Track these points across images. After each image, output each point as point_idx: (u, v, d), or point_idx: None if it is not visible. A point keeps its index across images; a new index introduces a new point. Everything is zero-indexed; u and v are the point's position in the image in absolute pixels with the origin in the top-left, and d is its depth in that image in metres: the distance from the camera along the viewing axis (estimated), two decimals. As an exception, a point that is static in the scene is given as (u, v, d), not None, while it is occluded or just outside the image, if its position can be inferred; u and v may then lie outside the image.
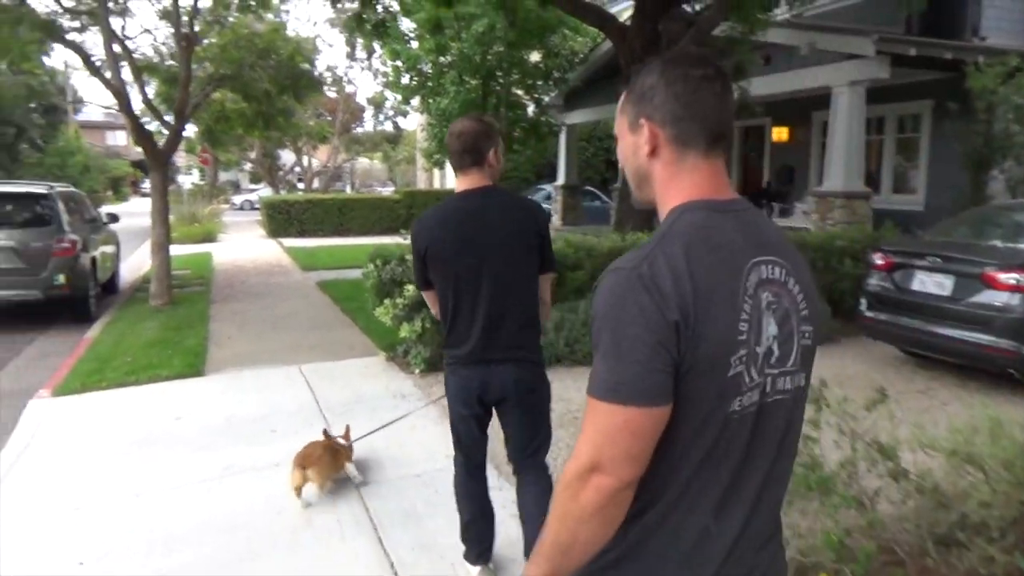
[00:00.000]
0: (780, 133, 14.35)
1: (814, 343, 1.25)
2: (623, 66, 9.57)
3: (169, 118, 9.77)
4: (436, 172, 28.32)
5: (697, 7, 10.18)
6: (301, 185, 33.69)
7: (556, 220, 18.85)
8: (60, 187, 9.76)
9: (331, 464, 3.82)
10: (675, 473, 1.14)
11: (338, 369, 6.21)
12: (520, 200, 2.76)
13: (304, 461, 3.70)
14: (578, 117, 17.94)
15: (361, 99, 32.79)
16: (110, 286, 11.32)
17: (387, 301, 5.84)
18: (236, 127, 12.32)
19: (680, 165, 1.20)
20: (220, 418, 5.11)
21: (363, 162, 45.79)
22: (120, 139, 54.95)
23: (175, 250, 16.21)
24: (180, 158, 24.58)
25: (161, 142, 9.71)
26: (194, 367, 6.31)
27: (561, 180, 18.67)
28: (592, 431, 1.09)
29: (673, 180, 1.21)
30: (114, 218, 11.55)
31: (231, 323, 8.25)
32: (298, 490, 3.73)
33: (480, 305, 2.55)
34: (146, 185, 41.02)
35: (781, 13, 10.87)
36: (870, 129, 11.83)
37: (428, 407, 5.00)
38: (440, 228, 2.57)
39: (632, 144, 1.25)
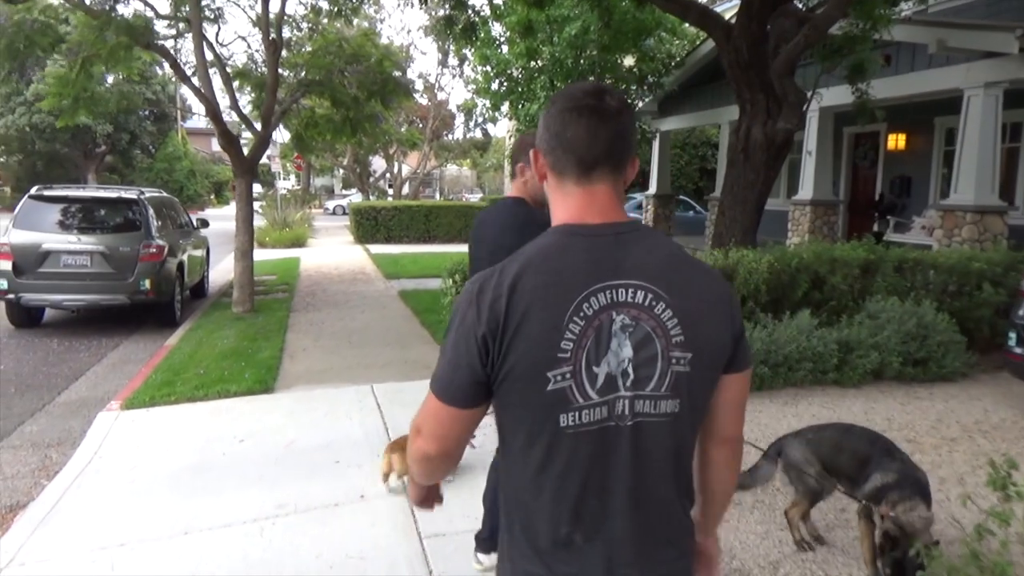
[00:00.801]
0: (896, 140, 13.18)
1: (701, 370, 1.26)
2: (727, 68, 8.85)
3: (257, 125, 9.71)
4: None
5: (811, 3, 9.31)
6: (391, 191, 34.05)
7: (647, 231, 18.10)
8: (150, 192, 9.85)
9: None
10: (523, 477, 1.27)
11: (412, 392, 5.79)
12: (503, 214, 2.74)
13: (394, 446, 3.87)
14: (672, 124, 17.16)
15: (452, 106, 32.84)
16: (199, 290, 11.42)
17: (464, 321, 5.38)
18: (324, 133, 12.22)
19: (560, 191, 1.30)
20: (282, 443, 4.77)
21: (452, 169, 46.08)
22: (242, 150, 57.56)
23: (265, 255, 16.52)
24: (276, 164, 25.10)
25: (248, 149, 9.65)
26: (264, 383, 6.04)
27: (653, 189, 17.92)
28: (424, 402, 1.28)
29: (556, 205, 1.32)
30: (204, 223, 11.65)
31: (308, 334, 8.02)
32: (385, 476, 3.91)
33: None
34: (246, 189, 42.69)
35: (906, 8, 9.85)
36: (1005, 136, 10.61)
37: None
38: (474, 224, 2.91)
39: (537, 169, 1.35)
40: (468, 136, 33.21)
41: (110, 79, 13.28)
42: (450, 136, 34.11)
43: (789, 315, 6.12)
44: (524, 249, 1.26)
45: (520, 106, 14.44)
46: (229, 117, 12.27)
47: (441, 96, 31.74)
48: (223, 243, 14.59)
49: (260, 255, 16.44)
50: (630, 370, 1.21)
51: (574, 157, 1.26)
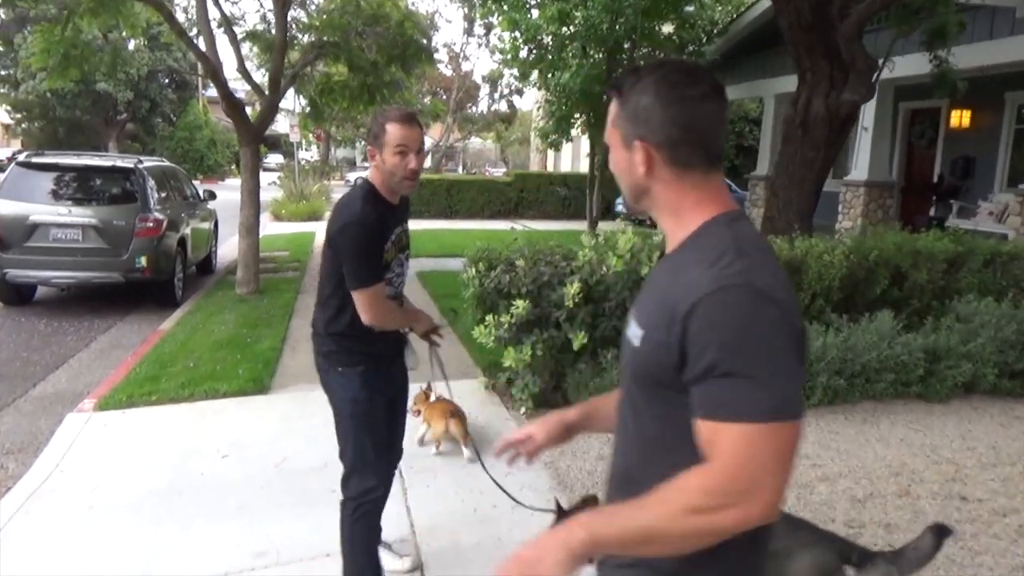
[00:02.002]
0: (960, 117, 12.09)
1: None
2: (785, 31, 7.89)
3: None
4: (550, 154, 26.97)
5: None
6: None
7: (680, 210, 17.15)
8: (150, 161, 9.12)
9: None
10: None
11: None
12: (338, 203, 2.52)
13: (452, 411, 4.00)
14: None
15: (477, 77, 31.83)
16: (206, 266, 10.74)
17: (489, 318, 4.58)
18: (340, 100, 11.39)
19: (682, 184, 1.20)
20: (272, 461, 4.03)
21: (475, 142, 45.07)
22: (247, 116, 56.88)
23: (280, 228, 15.81)
24: (295, 133, 24.29)
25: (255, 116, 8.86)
26: (259, 381, 5.30)
27: (688, 166, 16.90)
28: (749, 455, 1.03)
29: (683, 198, 1.20)
30: (212, 195, 10.94)
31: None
32: (439, 441, 4.06)
33: None
34: (268, 160, 42.08)
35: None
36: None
37: (541, 471, 3.73)
38: None
39: (626, 159, 1.23)
40: (492, 108, 32.23)
41: (112, 37, 12.46)
42: (474, 108, 33.12)
43: (866, 317, 5.26)
44: (733, 238, 1.13)
45: (550, 75, 13.47)
46: (237, 83, 11.53)
47: (466, 67, 30.74)
48: (237, 216, 13.82)
49: (275, 228, 15.78)
50: None
51: (704, 149, 1.19)
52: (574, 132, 14.63)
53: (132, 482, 3.80)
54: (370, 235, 2.38)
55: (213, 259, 11.12)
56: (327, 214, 15.87)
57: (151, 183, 8.33)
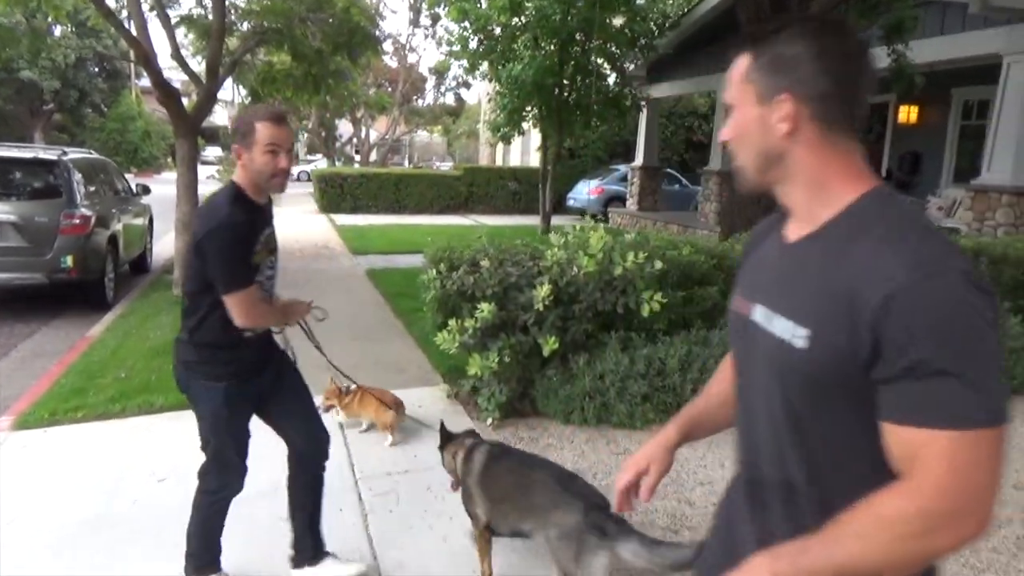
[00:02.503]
0: (908, 113, 12.25)
1: None
2: (744, 24, 7.76)
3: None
4: (499, 148, 26.63)
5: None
6: (358, 158, 32.47)
7: (632, 205, 17.07)
8: (76, 153, 8.49)
9: None
10: None
11: (383, 406, 4.69)
12: (202, 206, 2.57)
13: (395, 401, 4.17)
14: (663, 91, 16.03)
15: (423, 69, 31.26)
16: (141, 264, 10.12)
17: (452, 322, 4.26)
18: (283, 90, 10.86)
19: (832, 148, 1.06)
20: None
21: (422, 136, 44.41)
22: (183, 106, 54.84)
23: None
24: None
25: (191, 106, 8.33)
26: (199, 392, 4.87)
27: (640, 161, 16.84)
28: (966, 468, 0.90)
29: (827, 166, 1.07)
30: (146, 189, 10.31)
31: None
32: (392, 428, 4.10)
33: None
34: (207, 153, 40.52)
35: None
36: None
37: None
38: None
39: (758, 119, 1.09)
40: (440, 101, 31.74)
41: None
42: (421, 101, 32.54)
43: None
44: (918, 217, 1.02)
45: (501, 67, 13.16)
46: (172, 72, 10.87)
47: (412, 58, 30.15)
48: (173, 212, 13.10)
49: None
50: None
51: (853, 107, 1.07)
52: (525, 126, 14.36)
53: (55, 513, 3.37)
54: (239, 238, 2.35)
55: (148, 257, 10.50)
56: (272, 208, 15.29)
57: (77, 176, 7.73)
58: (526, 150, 23.78)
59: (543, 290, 4.07)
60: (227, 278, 2.33)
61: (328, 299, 8.02)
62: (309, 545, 2.86)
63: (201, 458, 2.70)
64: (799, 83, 1.04)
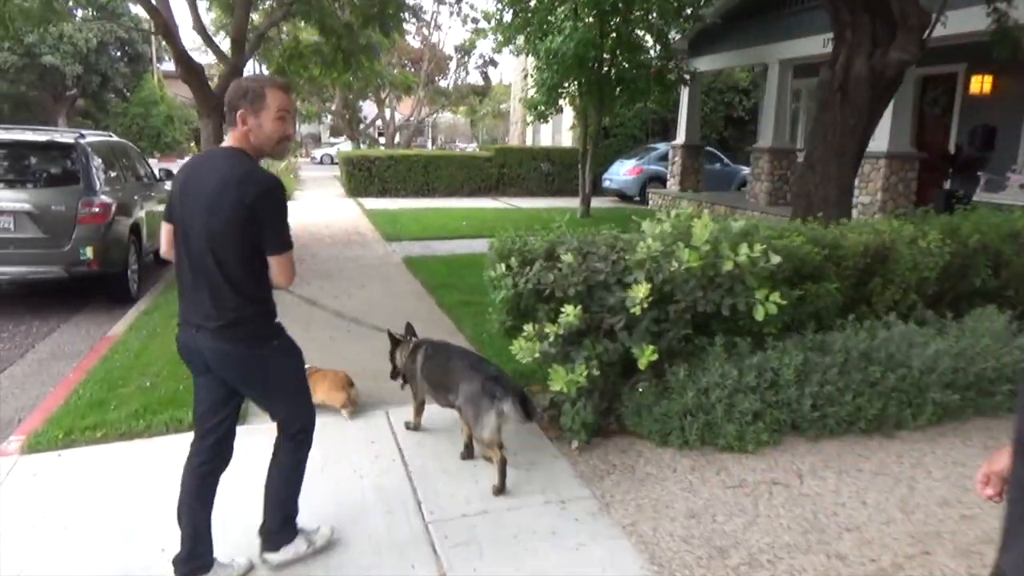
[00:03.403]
0: (982, 84, 11.32)
1: None
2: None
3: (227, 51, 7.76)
4: (533, 127, 25.82)
5: None
6: (382, 140, 31.79)
7: (673, 185, 16.27)
8: (95, 135, 7.92)
9: None
10: None
11: (445, 420, 4.06)
12: (227, 169, 2.39)
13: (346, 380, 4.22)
14: (707, 64, 15.17)
15: (448, 48, 30.45)
16: (165, 254, 9.59)
17: (528, 328, 3.61)
18: (311, 67, 10.23)
19: None
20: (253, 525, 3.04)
21: (446, 117, 43.61)
22: (207, 82, 54.36)
23: None
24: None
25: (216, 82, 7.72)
26: (233, 406, 4.28)
27: (681, 139, 16.00)
28: None
29: None
30: (169, 174, 9.70)
31: (294, 319, 6.14)
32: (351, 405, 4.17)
33: (182, 266, 2.51)
34: (228, 137, 39.86)
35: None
36: None
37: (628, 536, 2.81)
38: (177, 178, 2.58)
39: None
40: (465, 81, 30.94)
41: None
42: (446, 81, 31.70)
43: (967, 314, 4.42)
44: None
45: (538, 40, 12.41)
46: (195, 53, 10.28)
47: (437, 37, 29.36)
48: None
49: None
50: None
51: None
52: (562, 103, 13.62)
53: (69, 566, 2.79)
54: (285, 197, 2.46)
55: (173, 246, 9.97)
56: (297, 193, 14.77)
57: (96, 161, 7.16)
58: (557, 129, 22.99)
59: (640, 289, 3.40)
60: (283, 238, 2.40)
61: (367, 291, 7.49)
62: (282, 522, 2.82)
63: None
64: None
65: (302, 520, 2.91)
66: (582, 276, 3.60)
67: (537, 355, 3.52)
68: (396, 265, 9.03)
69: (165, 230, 2.59)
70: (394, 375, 3.98)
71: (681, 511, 3.09)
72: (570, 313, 3.47)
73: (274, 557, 2.77)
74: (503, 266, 3.81)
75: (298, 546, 2.77)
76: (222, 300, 2.41)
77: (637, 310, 3.42)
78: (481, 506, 3.13)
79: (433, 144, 44.65)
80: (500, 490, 3.23)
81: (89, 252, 6.71)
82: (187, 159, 2.84)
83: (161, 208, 9.27)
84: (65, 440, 3.87)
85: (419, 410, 3.93)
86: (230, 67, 7.37)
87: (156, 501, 3.24)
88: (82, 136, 7.30)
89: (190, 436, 3.91)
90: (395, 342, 3.97)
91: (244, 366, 2.53)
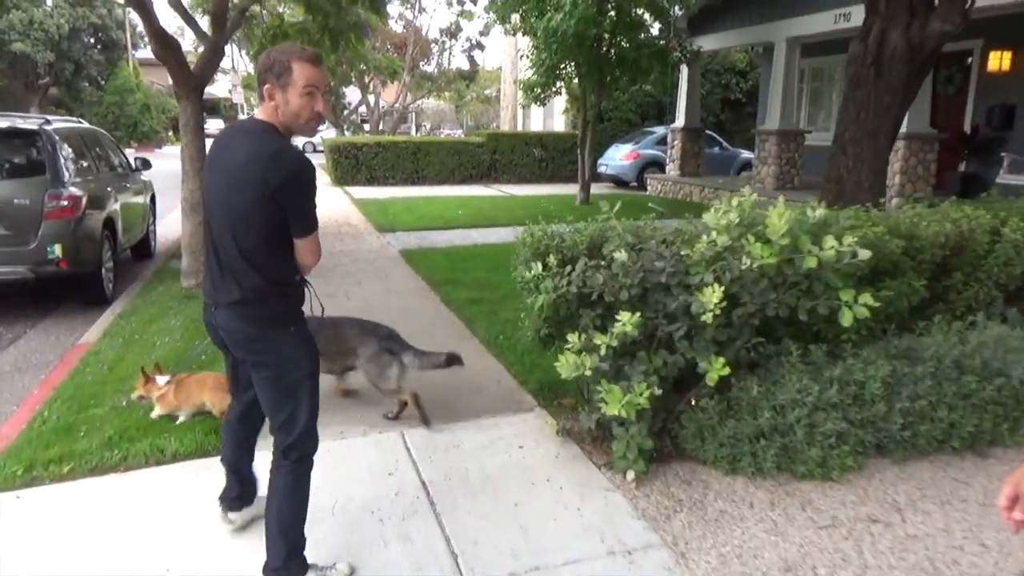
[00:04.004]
0: (1000, 60, 10.84)
1: None
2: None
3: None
4: (524, 112, 25.14)
5: None
6: (366, 127, 30.97)
7: (673, 170, 15.75)
8: (61, 122, 7.25)
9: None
10: None
11: (471, 444, 3.51)
12: (255, 146, 2.24)
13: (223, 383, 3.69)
14: (710, 43, 14.59)
15: (434, 32, 29.61)
16: (143, 248, 8.93)
17: (572, 338, 3.06)
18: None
19: None
20: (259, 594, 2.48)
21: (432, 103, 42.73)
22: (185, 61, 52.64)
23: None
24: (239, 94, 21.93)
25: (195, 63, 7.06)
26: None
27: (680, 121, 15.46)
28: None
29: None
30: (146, 163, 9.04)
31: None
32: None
33: (206, 241, 2.43)
34: (208, 126, 38.89)
35: None
36: None
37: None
38: (210, 150, 2.44)
39: None
40: (452, 65, 30.15)
41: None
42: (430, 66, 30.79)
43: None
44: None
45: (534, 18, 11.76)
46: (175, 33, 9.55)
47: (422, 20, 28.51)
48: (177, 188, 11.90)
49: None
50: None
51: None
52: (560, 85, 13.01)
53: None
54: (314, 176, 2.30)
55: (151, 241, 9.29)
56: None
57: (64, 150, 6.51)
58: (549, 114, 22.34)
59: (712, 293, 2.86)
60: (310, 220, 2.30)
61: (366, 288, 6.88)
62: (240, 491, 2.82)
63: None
64: None
65: (313, 556, 2.41)
66: (637, 277, 3.05)
67: (588, 372, 2.97)
68: (393, 259, 8.44)
69: None
70: None
71: (774, 562, 2.56)
72: (626, 321, 2.92)
73: (236, 517, 2.74)
74: (539, 265, 3.24)
75: None
76: (240, 278, 2.29)
77: (708, 317, 2.87)
78: (532, 561, 2.58)
79: (417, 131, 43.79)
80: (426, 421, 3.72)
81: (57, 250, 6.08)
82: (222, 129, 2.60)
83: (137, 200, 8.63)
84: (25, 478, 3.27)
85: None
86: (210, 45, 6.71)
87: (134, 556, 2.66)
88: (47, 122, 6.63)
89: (175, 469, 3.36)
90: None
91: (254, 346, 2.36)
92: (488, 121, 36.89)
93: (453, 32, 26.40)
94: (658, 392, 2.96)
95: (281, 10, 9.91)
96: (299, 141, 37.59)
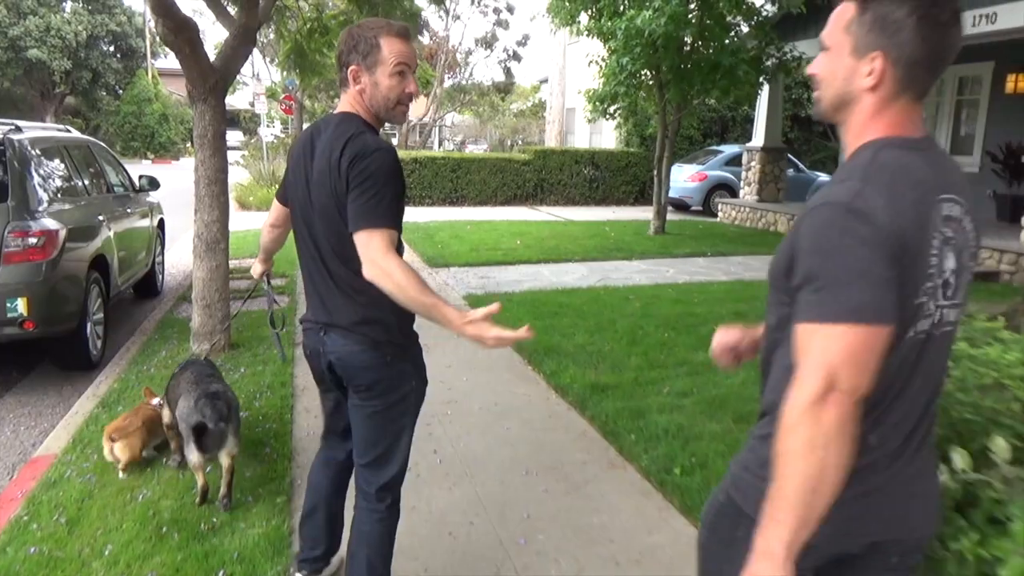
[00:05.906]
0: (1016, 82, 9.32)
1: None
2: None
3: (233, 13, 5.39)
4: (553, 130, 23.41)
5: None
6: (395, 141, 29.40)
7: (750, 195, 13.94)
8: (39, 129, 5.58)
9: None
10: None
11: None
12: (341, 136, 1.92)
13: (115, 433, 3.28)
14: (801, 49, 12.78)
15: (468, 41, 28.06)
16: (148, 286, 7.24)
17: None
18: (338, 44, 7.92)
19: (892, 103, 1.18)
20: None
21: (457, 117, 41.18)
22: (202, 48, 51.18)
23: (248, 221, 11.72)
24: (261, 103, 20.31)
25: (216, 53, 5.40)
26: None
27: (760, 140, 13.65)
28: (821, 355, 1.08)
29: (878, 116, 1.19)
30: (153, 183, 7.30)
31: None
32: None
33: (301, 255, 2.12)
34: (230, 138, 37.25)
35: None
36: None
37: None
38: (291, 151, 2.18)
39: (849, 68, 1.19)
40: (484, 78, 28.53)
41: None
42: (452, 80, 29.04)
43: None
44: (869, 163, 1.15)
45: (608, 19, 10.03)
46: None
47: (457, 29, 26.99)
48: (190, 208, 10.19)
49: (242, 222, 11.75)
50: (951, 280, 1.17)
51: (934, 75, 1.17)
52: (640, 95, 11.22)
53: None
54: (400, 166, 1.94)
55: (158, 275, 7.58)
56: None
57: (40, 166, 4.86)
58: (597, 129, 20.60)
59: None
60: (373, 208, 1.84)
61: (432, 356, 5.17)
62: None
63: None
64: (895, 47, 1.13)
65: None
66: None
67: None
68: (458, 304, 6.66)
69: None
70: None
71: None
72: None
73: None
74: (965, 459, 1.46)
75: None
76: (356, 295, 1.95)
77: None
78: None
79: (440, 146, 42.23)
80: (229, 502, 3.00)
81: (20, 306, 4.39)
82: (307, 126, 2.25)
83: (142, 225, 6.95)
84: None
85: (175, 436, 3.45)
86: (239, 29, 5.02)
87: None
88: (16, 129, 4.96)
89: None
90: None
91: (373, 375, 2.01)
92: (518, 137, 35.18)
93: (489, 42, 24.79)
94: None
95: (317, 2, 8.27)
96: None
